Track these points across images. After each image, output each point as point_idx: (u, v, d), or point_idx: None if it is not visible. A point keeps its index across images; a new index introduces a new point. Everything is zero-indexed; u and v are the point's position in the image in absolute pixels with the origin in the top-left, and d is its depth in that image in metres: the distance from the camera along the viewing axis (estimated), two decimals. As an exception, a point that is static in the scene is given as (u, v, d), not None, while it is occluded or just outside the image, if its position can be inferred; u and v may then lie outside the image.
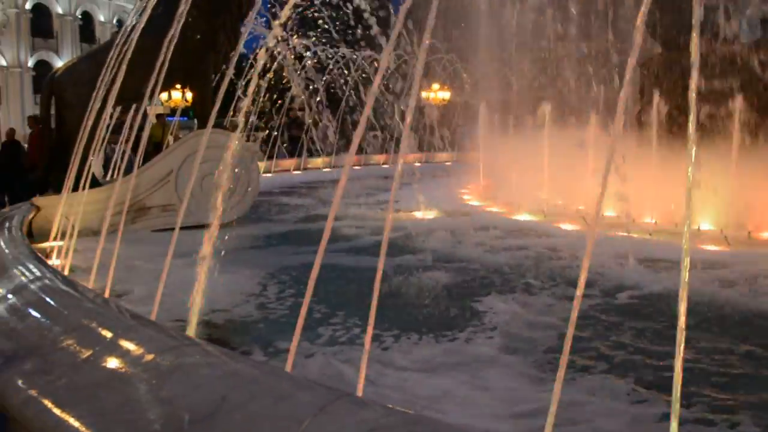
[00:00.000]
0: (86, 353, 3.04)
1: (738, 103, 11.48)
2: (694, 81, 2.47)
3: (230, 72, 5.99)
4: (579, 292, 2.57)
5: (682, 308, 2.48)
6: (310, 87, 24.76)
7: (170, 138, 17.42)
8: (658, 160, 11.74)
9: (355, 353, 5.04)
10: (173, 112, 28.70)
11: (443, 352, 5.21)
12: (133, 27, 9.00)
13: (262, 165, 17.11)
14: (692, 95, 2.46)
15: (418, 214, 12.73)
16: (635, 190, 10.06)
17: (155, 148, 14.10)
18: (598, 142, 11.82)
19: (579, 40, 16.30)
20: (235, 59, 7.40)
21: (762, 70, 12.00)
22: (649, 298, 6.82)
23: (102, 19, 62.52)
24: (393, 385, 4.35)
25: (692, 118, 2.50)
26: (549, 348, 5.25)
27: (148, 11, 8.66)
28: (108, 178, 12.89)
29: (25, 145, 18.29)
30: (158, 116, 18.16)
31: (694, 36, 2.52)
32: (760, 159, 10.49)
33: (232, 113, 17.88)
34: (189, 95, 21.84)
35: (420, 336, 5.56)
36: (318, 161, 27.06)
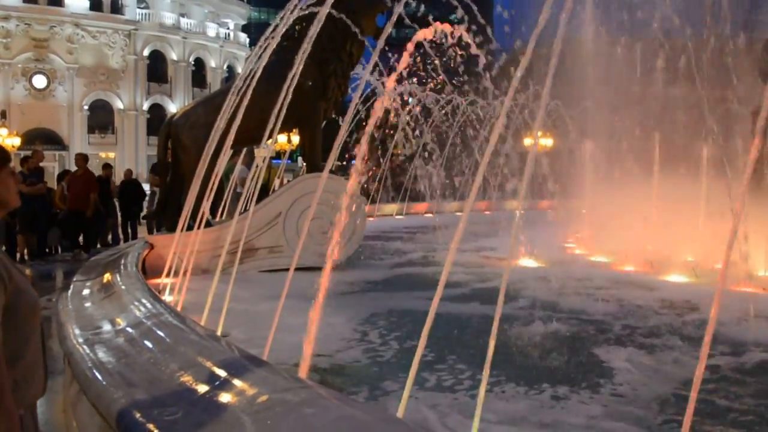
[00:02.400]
0: (202, 390, 3.11)
1: None
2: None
3: (347, 123, 6.10)
4: (704, 351, 2.47)
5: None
6: (415, 132, 24.94)
7: (276, 181, 17.85)
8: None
9: (443, 399, 4.99)
10: (279, 155, 29.44)
11: (533, 408, 4.92)
12: (249, 73, 9.33)
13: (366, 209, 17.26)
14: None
15: (522, 263, 12.56)
16: (749, 241, 9.66)
17: (261, 190, 14.47)
18: (710, 191, 11.45)
19: (691, 87, 15.90)
20: (352, 110, 7.54)
21: None
22: None
23: (213, 65, 65.00)
24: (471, 437, 4.19)
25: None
26: (658, 414, 4.83)
27: (264, 59, 8.99)
28: (217, 219, 13.28)
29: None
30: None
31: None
32: None
33: (338, 158, 18.16)
34: (294, 139, 22.35)
35: (515, 388, 5.33)
36: (421, 206, 27.10)
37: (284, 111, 7.13)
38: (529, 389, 5.32)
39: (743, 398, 5.21)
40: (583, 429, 4.51)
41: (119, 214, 19.53)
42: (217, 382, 3.16)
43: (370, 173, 25.83)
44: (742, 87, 14.30)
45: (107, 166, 21.15)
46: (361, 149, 4.62)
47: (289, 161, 29.44)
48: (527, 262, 12.67)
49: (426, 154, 25.01)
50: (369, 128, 4.40)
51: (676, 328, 7.43)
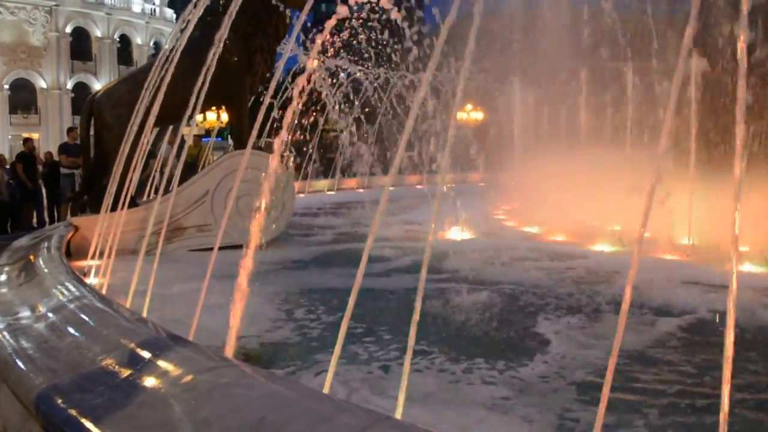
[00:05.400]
0: (125, 373, 3.05)
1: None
2: (741, 102, 2.42)
3: (269, 95, 6.01)
4: (620, 327, 2.50)
5: (729, 338, 2.40)
6: (345, 107, 24.86)
7: (211, 158, 17.59)
8: (696, 179, 11.60)
9: (357, 374, 4.94)
10: (208, 133, 29.09)
11: (443, 384, 4.79)
12: (172, 49, 9.13)
13: (296, 185, 17.16)
14: (739, 116, 2.41)
15: (453, 235, 12.67)
16: (671, 210, 9.92)
17: (190, 168, 14.25)
18: (635, 162, 11.68)
19: (618, 59, 16.21)
20: (274, 83, 7.45)
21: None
22: (698, 325, 6.42)
23: (139, 42, 63.53)
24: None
25: (738, 134, 2.44)
26: (578, 392, 4.64)
27: (187, 34, 8.79)
28: (144, 198, 13.04)
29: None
30: (194, 137, 18.39)
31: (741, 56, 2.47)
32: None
33: (267, 134, 18.01)
34: (224, 117, 22.15)
35: (431, 363, 5.21)
36: (352, 182, 27.14)
37: (206, 87, 6.98)
38: (443, 364, 5.22)
39: (665, 373, 5.14)
40: (486, 409, 4.35)
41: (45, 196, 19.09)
42: (141, 364, 3.10)
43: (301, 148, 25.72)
44: (666, 59, 14.62)
45: (28, 141, 20.52)
46: (284, 124, 4.57)
47: (219, 139, 28.99)
48: (456, 234, 12.78)
49: (356, 129, 24.99)
50: (295, 101, 4.34)
51: (601, 298, 7.49)
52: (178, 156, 10.18)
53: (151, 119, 8.12)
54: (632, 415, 4.17)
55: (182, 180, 10.78)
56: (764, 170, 10.68)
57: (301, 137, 25.43)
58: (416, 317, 3.17)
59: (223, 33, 7.23)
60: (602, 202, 11.99)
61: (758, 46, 12.19)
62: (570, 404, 4.42)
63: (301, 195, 21.79)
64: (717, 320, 6.44)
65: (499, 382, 4.86)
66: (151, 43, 64.53)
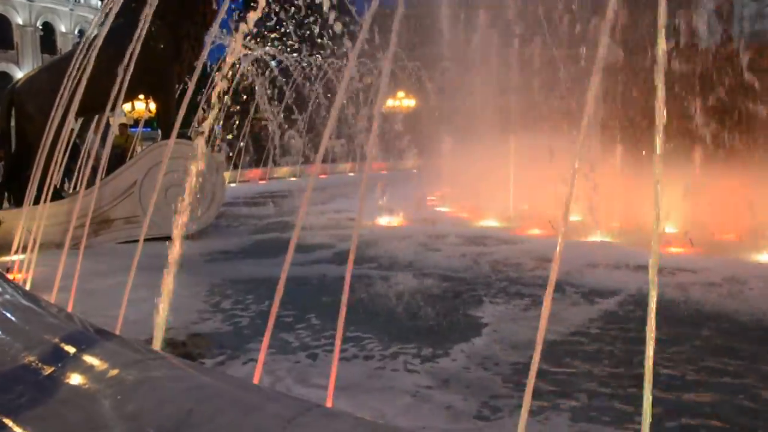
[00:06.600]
0: (49, 369, 2.98)
1: (699, 108, 11.63)
2: (660, 85, 2.46)
3: (194, 82, 5.92)
4: (544, 312, 2.53)
5: (651, 317, 2.45)
6: (275, 95, 24.67)
7: (138, 149, 17.26)
8: (622, 164, 11.85)
9: (284, 364, 4.90)
10: (136, 122, 28.53)
11: (369, 372, 4.78)
12: (95, 37, 8.90)
13: (227, 175, 16.98)
14: (659, 102, 2.44)
15: (384, 222, 12.69)
16: (599, 194, 10.12)
17: (117, 159, 13.94)
18: (564, 147, 11.85)
19: (544, 45, 16.41)
20: (199, 69, 7.34)
21: (722, 73, 12.13)
22: (624, 307, 6.57)
23: (63, 29, 61.77)
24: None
25: (659, 120, 2.49)
26: (502, 378, 4.64)
27: (110, 21, 8.58)
28: (71, 189, 12.73)
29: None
30: (121, 126, 18.01)
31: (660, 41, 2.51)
32: (722, 162, 10.62)
33: (196, 123, 17.80)
34: (153, 106, 21.77)
35: (358, 351, 5.19)
36: (284, 170, 27.00)
37: (131, 75, 6.81)
38: (371, 352, 5.22)
39: (593, 355, 5.18)
40: (410, 396, 4.34)
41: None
42: (66, 360, 3.03)
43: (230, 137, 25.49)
44: (592, 46, 14.84)
45: None
46: (211, 113, 4.50)
47: (148, 129, 28.45)
48: (388, 220, 12.80)
49: (288, 117, 24.85)
50: (217, 88, 4.29)
51: (530, 282, 7.58)
52: (103, 144, 9.94)
53: (74, 109, 7.91)
54: (559, 399, 4.21)
55: (109, 171, 10.55)
56: (688, 154, 10.99)
57: (232, 125, 25.20)
58: (344, 306, 3.16)
59: (144, 27, 7.05)
60: (532, 187, 12.16)
61: (680, 32, 12.48)
62: (497, 390, 4.44)
63: (232, 184, 21.58)
64: (643, 301, 6.53)
65: (423, 370, 4.84)
66: (76, 31, 62.73)
